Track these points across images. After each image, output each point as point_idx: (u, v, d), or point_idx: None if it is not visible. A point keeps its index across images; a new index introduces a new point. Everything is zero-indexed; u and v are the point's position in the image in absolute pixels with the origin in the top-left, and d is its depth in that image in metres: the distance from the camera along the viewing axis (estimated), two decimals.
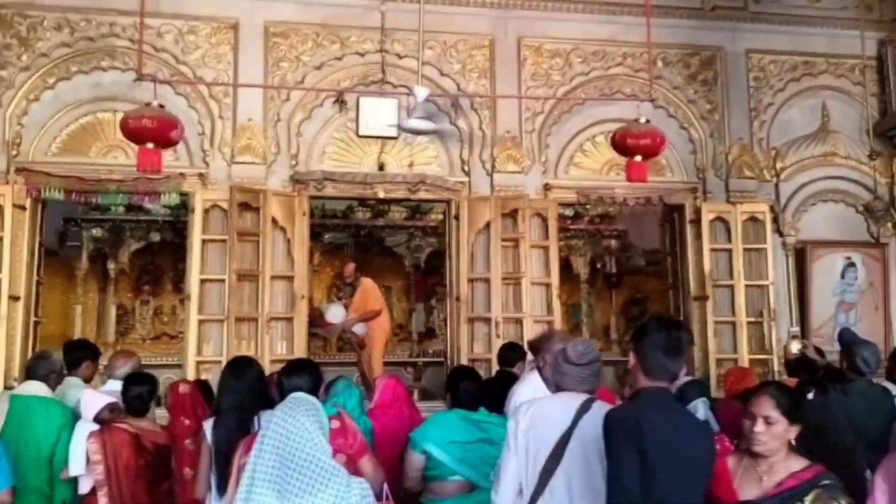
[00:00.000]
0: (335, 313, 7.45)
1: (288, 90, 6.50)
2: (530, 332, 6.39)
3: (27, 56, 6.13)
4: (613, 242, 10.48)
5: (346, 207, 9.81)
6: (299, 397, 2.89)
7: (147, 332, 10.03)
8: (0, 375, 5.64)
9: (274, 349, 6.15)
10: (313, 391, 3.06)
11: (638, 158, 4.82)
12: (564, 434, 2.71)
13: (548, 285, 6.72)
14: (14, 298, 5.84)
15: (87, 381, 4.46)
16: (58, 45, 6.19)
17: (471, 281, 6.59)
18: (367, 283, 7.53)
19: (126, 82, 6.25)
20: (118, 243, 9.44)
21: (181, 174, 6.28)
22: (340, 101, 6.57)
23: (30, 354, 5.55)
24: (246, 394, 3.24)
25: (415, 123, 4.69)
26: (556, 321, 6.68)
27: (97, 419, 3.72)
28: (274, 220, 6.26)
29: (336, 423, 3.04)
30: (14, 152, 6.07)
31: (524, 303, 6.53)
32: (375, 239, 10.09)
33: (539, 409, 2.81)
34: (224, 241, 6.17)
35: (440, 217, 10.05)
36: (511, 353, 4.61)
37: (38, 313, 6.20)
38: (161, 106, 4.48)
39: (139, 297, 10.09)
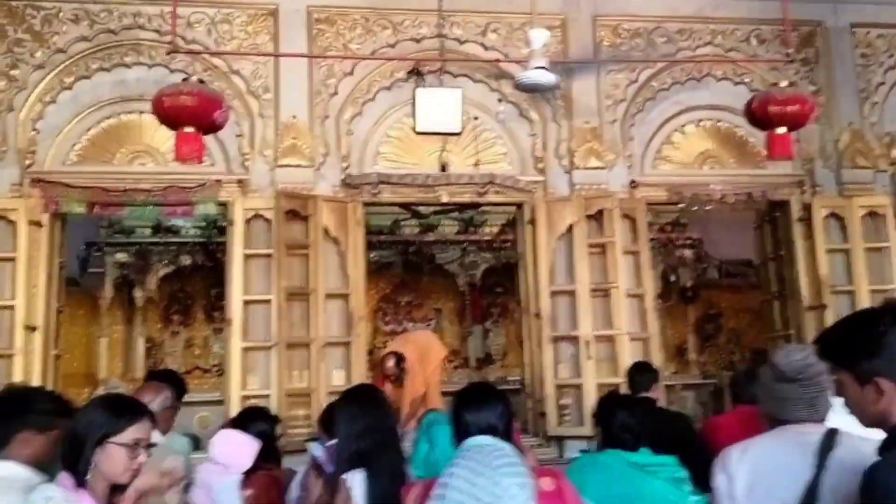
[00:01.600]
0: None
1: (336, 82, 5.80)
2: (626, 351, 5.56)
3: (42, 52, 5.50)
4: (687, 252, 9.59)
5: (393, 222, 9.07)
6: (490, 445, 2.12)
7: (178, 365, 9.28)
8: None
9: (330, 380, 5.36)
10: (506, 433, 2.26)
11: (781, 130, 4.00)
12: (808, 490, 1.87)
13: (640, 297, 5.88)
14: (30, 329, 5.15)
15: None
16: (76, 39, 5.56)
17: (553, 294, 5.76)
18: (412, 364, 6.24)
19: (153, 79, 5.56)
20: (145, 269, 8.80)
21: (218, 181, 5.59)
22: (417, 73, 5.81)
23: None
24: (387, 432, 2.50)
25: (534, 76, 3.89)
26: (652, 338, 5.82)
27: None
28: (325, 231, 5.52)
29: (550, 484, 2.22)
30: (28, 162, 5.42)
31: (617, 317, 5.68)
32: (425, 256, 9.33)
33: (760, 456, 1.99)
34: (269, 255, 5.45)
35: (496, 230, 9.40)
36: (643, 375, 3.77)
37: (58, 345, 5.50)
38: (201, 81, 3.75)
39: (168, 327, 9.43)
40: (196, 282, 9.40)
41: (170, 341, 9.39)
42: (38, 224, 5.30)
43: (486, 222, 9.31)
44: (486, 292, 9.73)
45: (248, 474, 3.03)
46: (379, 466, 2.46)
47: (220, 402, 5.86)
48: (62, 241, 5.63)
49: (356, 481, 2.43)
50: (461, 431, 2.26)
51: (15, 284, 5.11)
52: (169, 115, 3.59)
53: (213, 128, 3.74)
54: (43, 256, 5.31)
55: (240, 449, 3.02)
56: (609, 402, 3.03)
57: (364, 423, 2.53)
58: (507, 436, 2.24)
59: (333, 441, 2.58)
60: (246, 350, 5.34)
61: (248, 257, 5.45)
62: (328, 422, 2.97)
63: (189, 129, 3.54)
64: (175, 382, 3.70)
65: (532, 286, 5.85)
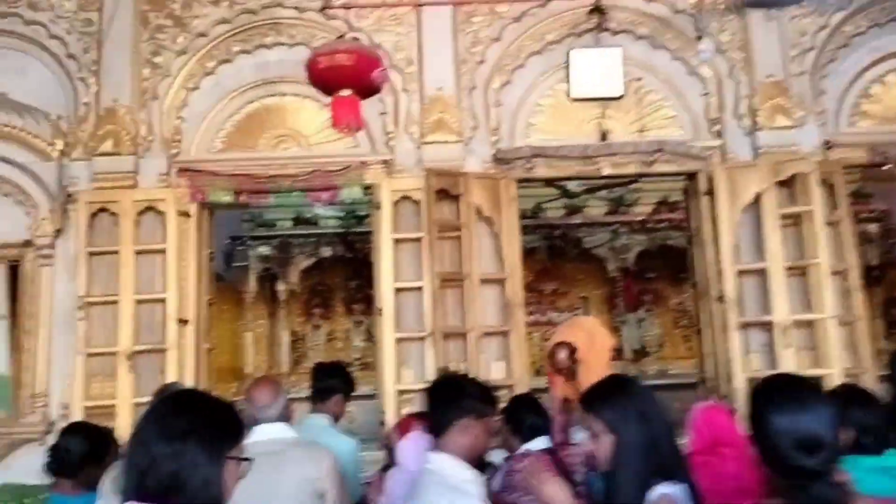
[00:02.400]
0: None
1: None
2: (831, 338, 4.82)
3: (183, 38, 5.36)
4: (872, 227, 8.52)
5: (535, 205, 8.56)
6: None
7: (321, 360, 9.21)
8: None
9: (489, 372, 4.93)
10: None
11: None
12: None
13: (843, 273, 5.09)
14: (182, 322, 5.01)
15: (337, 420, 3.61)
16: (216, 21, 5.39)
17: (739, 274, 5.08)
18: (583, 353, 5.57)
19: (294, 60, 5.30)
20: (286, 262, 8.81)
21: (363, 163, 5.29)
22: (599, 10, 5.30)
23: (202, 387, 4.70)
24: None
25: None
26: (859, 322, 5.03)
27: None
28: (478, 210, 5.10)
29: None
30: (174, 151, 5.30)
31: (818, 299, 4.93)
32: (571, 240, 8.75)
33: None
34: (418, 239, 5.09)
35: (649, 209, 8.72)
36: None
37: (209, 339, 5.36)
38: (355, 39, 3.39)
39: (310, 321, 9.39)
40: (335, 274, 9.39)
41: (312, 335, 9.37)
42: (187, 214, 5.17)
43: (638, 201, 8.68)
44: (637, 278, 9.06)
45: None
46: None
47: (366, 397, 5.62)
48: (210, 232, 5.49)
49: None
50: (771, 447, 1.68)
51: (166, 277, 4.99)
52: (324, 78, 3.26)
53: (371, 90, 3.39)
54: (192, 248, 5.17)
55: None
56: (848, 395, 2.45)
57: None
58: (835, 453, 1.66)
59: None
60: (399, 341, 5.01)
61: (396, 242, 5.12)
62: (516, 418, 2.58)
63: (346, 93, 3.20)
64: (343, 377, 3.40)
65: (712, 266, 5.19)
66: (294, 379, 8.35)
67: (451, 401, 2.18)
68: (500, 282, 5.15)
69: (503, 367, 5.06)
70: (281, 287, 8.87)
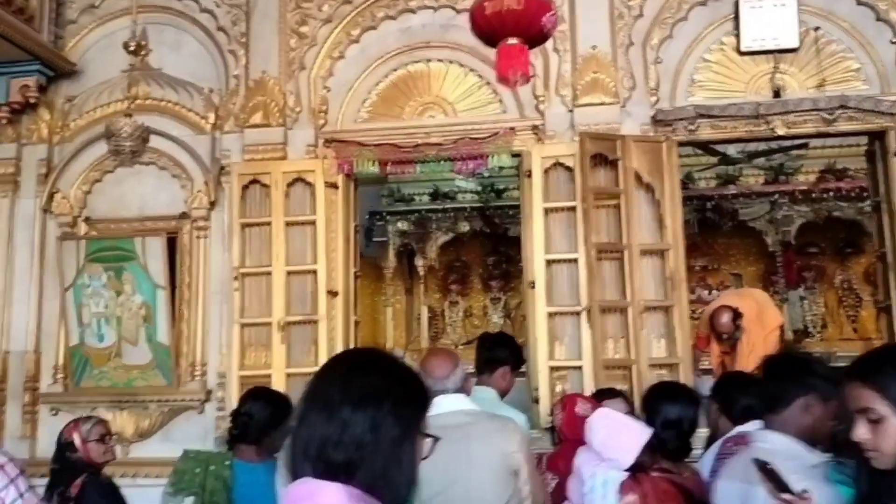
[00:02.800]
0: None
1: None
2: None
3: (328, 6, 5.29)
4: None
5: (686, 175, 8.04)
6: None
7: (458, 336, 9.20)
8: None
9: (650, 350, 4.64)
10: None
11: None
12: None
13: None
14: (332, 294, 5.00)
15: (503, 395, 3.47)
16: None
17: None
18: (749, 321, 5.07)
19: (439, 23, 5.25)
20: (425, 237, 8.79)
21: (511, 129, 5.04)
22: None
23: None
24: None
25: None
26: None
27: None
28: (637, 176, 4.77)
29: None
30: (321, 122, 5.26)
31: None
32: (725, 212, 8.18)
33: None
34: (571, 208, 4.83)
35: (813, 178, 8.05)
36: None
37: (356, 312, 5.34)
38: None
39: (447, 297, 9.33)
40: (473, 250, 9.33)
41: (449, 311, 9.32)
42: (335, 186, 5.12)
43: (801, 169, 8.00)
44: (798, 253, 8.39)
45: (634, 473, 2.33)
46: None
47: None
48: (356, 205, 5.44)
49: None
50: None
51: (316, 248, 4.98)
52: (491, 25, 3.05)
53: (540, 37, 3.15)
54: (339, 220, 5.11)
55: (620, 437, 2.33)
56: None
57: None
58: None
59: None
60: (552, 315, 4.79)
61: (547, 211, 4.89)
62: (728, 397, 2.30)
63: (513, 41, 2.99)
64: (512, 348, 3.23)
65: None
66: None
67: (794, 376, 2.03)
68: (661, 253, 4.81)
69: (664, 345, 4.73)
70: (419, 262, 8.86)
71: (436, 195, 8.62)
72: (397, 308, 9.28)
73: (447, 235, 8.81)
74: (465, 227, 8.72)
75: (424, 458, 1.37)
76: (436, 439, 1.38)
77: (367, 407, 1.31)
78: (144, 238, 4.97)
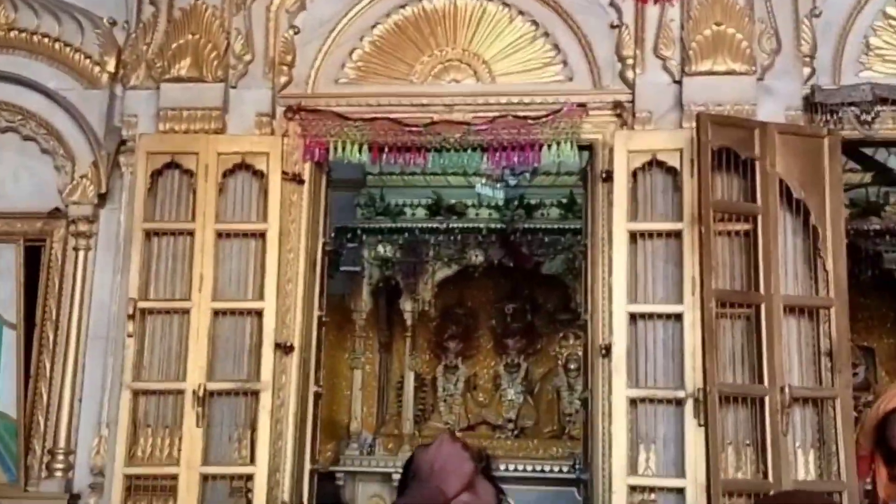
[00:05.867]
0: None
1: None
2: None
3: None
4: None
5: None
6: None
7: (456, 418, 8.76)
8: None
9: (795, 468, 4.20)
10: None
11: None
12: None
13: None
14: (284, 348, 4.67)
15: None
16: None
17: None
18: None
19: None
20: (416, 269, 8.33)
21: (580, 105, 4.75)
22: None
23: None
24: None
25: None
26: None
27: None
28: (784, 187, 4.36)
29: None
30: (283, 79, 4.99)
31: None
32: (863, 257, 7.61)
33: None
34: (675, 234, 4.43)
35: None
36: None
37: (319, 379, 5.06)
38: None
39: (443, 359, 8.91)
40: (484, 291, 8.95)
41: (444, 379, 8.96)
42: (298, 179, 4.84)
43: None
44: None
45: None
46: None
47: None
48: (328, 210, 5.18)
49: None
50: None
51: (264, 275, 4.62)
52: None
53: None
54: (303, 232, 4.87)
55: None
56: None
57: None
58: None
59: None
60: (635, 402, 4.41)
61: (635, 236, 4.50)
62: None
63: None
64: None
65: None
66: (420, 442, 7.67)
67: None
68: (814, 312, 4.38)
69: (813, 461, 4.28)
70: (406, 306, 8.35)
71: (436, 208, 8.14)
72: (368, 371, 8.77)
73: (449, 268, 8.34)
74: (476, 256, 8.20)
75: None
76: None
77: None
78: None
